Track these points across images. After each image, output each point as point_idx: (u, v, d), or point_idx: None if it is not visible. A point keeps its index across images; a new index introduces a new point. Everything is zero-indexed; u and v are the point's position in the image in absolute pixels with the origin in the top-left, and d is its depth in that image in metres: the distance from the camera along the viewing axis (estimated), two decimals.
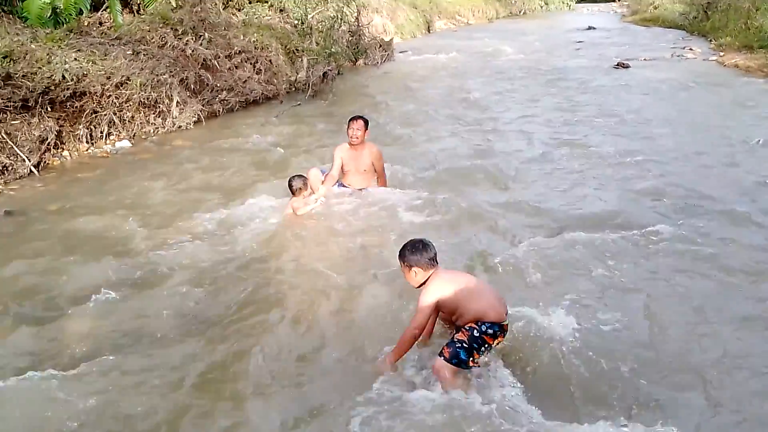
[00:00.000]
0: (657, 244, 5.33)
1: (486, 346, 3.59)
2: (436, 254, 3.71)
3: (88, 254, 5.34)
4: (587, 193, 6.75)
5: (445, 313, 3.74)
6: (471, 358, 3.53)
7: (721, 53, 17.46)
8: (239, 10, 15.08)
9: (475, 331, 3.56)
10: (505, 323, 3.64)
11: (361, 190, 6.51)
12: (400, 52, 19.38)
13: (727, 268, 4.93)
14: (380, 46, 18.04)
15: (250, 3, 15.56)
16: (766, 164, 7.47)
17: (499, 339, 3.64)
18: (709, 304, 4.46)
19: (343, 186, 6.57)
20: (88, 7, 10.64)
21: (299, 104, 11.78)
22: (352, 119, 6.50)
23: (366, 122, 6.49)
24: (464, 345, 3.53)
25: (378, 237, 5.60)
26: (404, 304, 4.33)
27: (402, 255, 3.72)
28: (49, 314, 4.38)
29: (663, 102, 11.59)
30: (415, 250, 3.67)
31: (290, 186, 6.05)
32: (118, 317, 4.34)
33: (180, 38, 10.84)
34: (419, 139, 9.30)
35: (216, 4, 12.69)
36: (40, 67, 8.21)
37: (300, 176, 6.15)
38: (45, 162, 7.96)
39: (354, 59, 16.82)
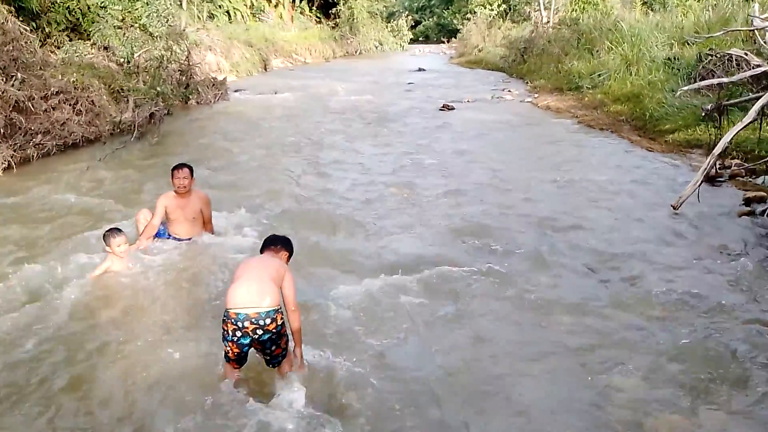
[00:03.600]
0: (467, 283, 5.69)
1: (223, 331, 3.84)
2: (269, 243, 4.43)
3: None
4: (408, 236, 7.03)
5: None
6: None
7: (536, 95, 19.01)
8: (58, 48, 14.32)
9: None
10: (231, 310, 3.76)
11: (189, 239, 6.35)
12: (236, 91, 19.28)
13: (521, 305, 5.34)
14: (213, 84, 17.81)
15: (70, 41, 14.83)
16: (564, 203, 8.17)
17: (229, 326, 3.78)
18: (507, 339, 4.85)
19: (170, 237, 6.37)
20: None
21: (123, 146, 11.28)
22: (176, 168, 6.32)
23: (191, 169, 6.37)
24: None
25: (205, 289, 5.50)
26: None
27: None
28: None
29: (481, 143, 12.40)
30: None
31: (105, 241, 5.60)
32: None
33: None
34: (249, 181, 9.26)
35: (31, 41, 11.91)
36: None
37: (116, 230, 5.71)
38: None
39: (185, 99, 16.45)
